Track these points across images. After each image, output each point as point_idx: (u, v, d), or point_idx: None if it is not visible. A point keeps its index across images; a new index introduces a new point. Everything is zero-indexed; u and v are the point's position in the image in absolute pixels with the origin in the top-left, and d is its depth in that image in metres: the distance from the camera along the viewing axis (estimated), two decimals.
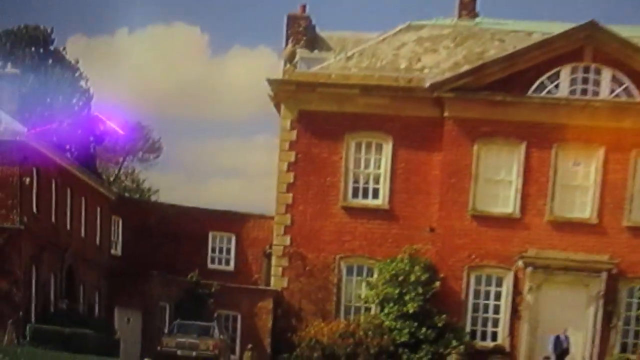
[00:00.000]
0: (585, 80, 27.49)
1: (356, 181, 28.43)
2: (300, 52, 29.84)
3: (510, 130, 27.50)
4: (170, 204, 33.75)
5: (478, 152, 27.67)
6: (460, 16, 30.90)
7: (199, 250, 32.50)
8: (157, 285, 28.46)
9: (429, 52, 29.31)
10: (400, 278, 27.08)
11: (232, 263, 33.06)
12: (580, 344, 24.67)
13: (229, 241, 32.97)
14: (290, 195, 28.42)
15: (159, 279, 28.50)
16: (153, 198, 43.95)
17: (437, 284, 27.22)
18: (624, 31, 28.03)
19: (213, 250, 33.13)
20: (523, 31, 29.87)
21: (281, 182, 28.56)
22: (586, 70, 27.46)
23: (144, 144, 43.96)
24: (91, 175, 30.29)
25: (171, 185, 55.99)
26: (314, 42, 31.09)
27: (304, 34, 30.56)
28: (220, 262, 33.06)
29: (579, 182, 27.62)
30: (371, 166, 28.42)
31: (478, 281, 27.73)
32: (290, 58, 29.92)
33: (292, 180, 28.43)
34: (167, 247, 32.18)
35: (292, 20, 30.63)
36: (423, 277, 27.07)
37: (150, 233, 32.22)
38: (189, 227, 32.43)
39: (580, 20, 27.71)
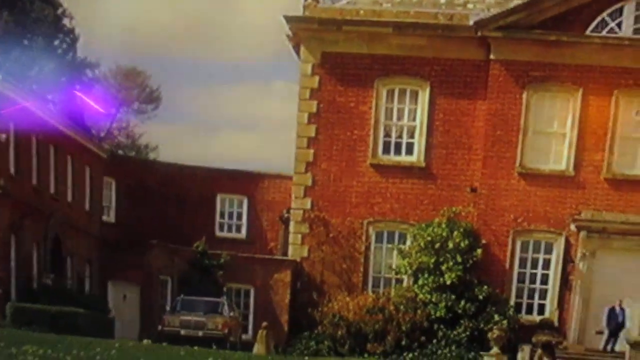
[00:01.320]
0: None
1: (388, 135, 29.12)
2: None
3: (566, 74, 28.20)
4: (172, 163, 34.28)
5: (528, 100, 28.37)
6: None
7: (205, 216, 33.10)
8: (157, 256, 28.98)
9: None
10: (437, 245, 27.88)
11: (243, 230, 33.68)
12: (638, 317, 25.27)
13: (240, 205, 33.54)
14: (312, 151, 29.16)
15: (159, 249, 28.99)
16: (151, 156, 44.65)
17: (479, 251, 28.06)
18: None
19: (222, 216, 33.68)
20: None
21: (301, 136, 29.24)
22: None
23: (141, 92, 44.39)
24: (78, 130, 30.78)
25: (173, 140, 56.56)
26: None
27: None
28: (230, 229, 33.67)
29: None
30: (405, 117, 29.13)
31: (525, 248, 28.61)
32: None
33: (313, 134, 29.12)
34: (168, 213, 32.78)
35: None
36: (463, 244, 27.86)
37: (148, 197, 32.78)
38: (193, 189, 33.06)
39: None
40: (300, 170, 29.27)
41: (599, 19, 28.10)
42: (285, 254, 30.58)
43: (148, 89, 44.65)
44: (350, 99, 28.97)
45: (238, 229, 33.60)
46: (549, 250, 28.58)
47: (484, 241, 28.29)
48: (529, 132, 28.43)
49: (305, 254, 29.20)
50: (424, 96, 28.83)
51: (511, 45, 28.16)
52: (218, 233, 33.12)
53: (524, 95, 28.31)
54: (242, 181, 33.25)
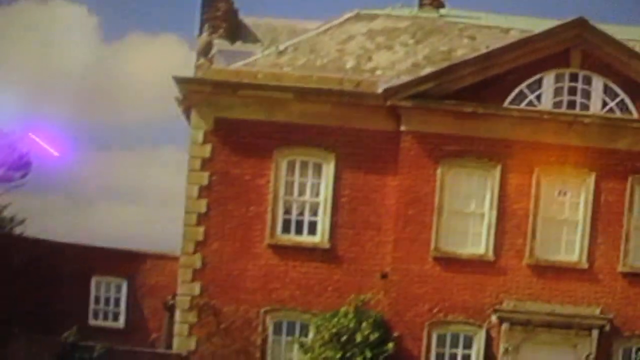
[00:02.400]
0: (572, 91, 26.49)
1: (288, 212, 26.68)
2: (219, 43, 28.32)
3: (483, 149, 26.33)
4: (40, 239, 31.95)
5: (442, 176, 26.29)
6: (421, 6, 29.78)
7: (78, 301, 30.86)
8: (19, 348, 26.38)
9: (383, 49, 27.89)
10: (344, 338, 25.49)
11: (122, 318, 31.72)
12: None
13: (119, 289, 31.54)
14: (202, 229, 26.48)
15: (22, 339, 26.52)
16: (17, 231, 40.84)
17: (391, 345, 25.67)
18: (619, 32, 27.21)
19: (97, 301, 31.68)
20: (498, 27, 28.88)
21: (190, 212, 26.57)
22: (573, 78, 26.48)
23: (6, 157, 40.37)
24: None
25: (43, 212, 52.31)
26: (236, 30, 29.53)
27: (223, 19, 29.01)
28: (106, 317, 31.76)
29: (566, 216, 26.50)
30: (307, 193, 26.70)
31: (441, 341, 26.20)
32: (205, 50, 28.37)
33: (204, 210, 26.48)
34: (34, 297, 30.35)
35: (208, 1, 29.05)
36: (372, 337, 25.52)
37: (11, 277, 30.24)
38: (65, 269, 30.73)
39: (569, 16, 26.55)
40: (189, 251, 26.47)
41: (517, 90, 26.38)
42: (169, 346, 27.79)
43: (16, 153, 40.78)
44: (246, 171, 26.49)
45: (115, 317, 31.62)
46: (468, 344, 26.14)
47: (396, 334, 25.86)
48: (444, 211, 26.27)
49: (192, 346, 26.21)
50: (329, 169, 26.49)
51: (423, 116, 26.22)
52: (92, 321, 31.14)
53: (438, 171, 26.24)
54: (121, 261, 31.29)
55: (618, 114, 26.17)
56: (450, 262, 26.11)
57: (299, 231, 26.50)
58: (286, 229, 26.49)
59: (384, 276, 26.07)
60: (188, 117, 27.18)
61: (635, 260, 26.17)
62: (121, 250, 31.45)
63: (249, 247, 26.37)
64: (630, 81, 26.15)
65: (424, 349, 25.87)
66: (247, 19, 29.96)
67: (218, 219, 26.34)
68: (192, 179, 26.43)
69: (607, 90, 26.24)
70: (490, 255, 26.11)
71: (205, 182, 26.35)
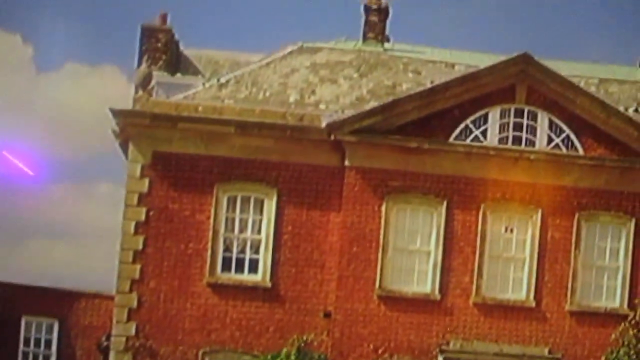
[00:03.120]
0: (518, 126, 26.04)
1: (228, 249, 25.80)
2: (158, 75, 27.72)
3: (428, 185, 25.71)
4: None
5: (387, 213, 25.61)
6: (366, 39, 29.21)
7: (6, 343, 29.49)
8: None
9: (327, 83, 27.33)
10: None
11: None
12: None
13: (50, 329, 30.26)
14: (138, 266, 25.49)
15: None
16: None
17: None
18: (564, 68, 27.00)
19: (27, 343, 30.37)
20: (444, 62, 28.53)
21: (126, 249, 25.62)
22: (519, 113, 26.05)
23: None
24: None
25: None
26: (176, 62, 29.03)
27: (163, 51, 28.47)
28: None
29: (513, 253, 25.94)
30: (249, 229, 25.89)
31: None
32: (144, 82, 27.78)
33: (140, 247, 25.52)
34: None
35: (147, 32, 28.47)
36: None
37: None
38: None
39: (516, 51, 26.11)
40: (124, 289, 25.45)
41: (462, 125, 25.87)
42: None
43: None
44: (185, 207, 25.55)
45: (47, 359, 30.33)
46: None
47: None
48: (389, 249, 25.54)
49: None
50: (271, 205, 25.69)
51: (368, 151, 25.56)
52: None
53: (383, 207, 25.54)
54: (53, 301, 30.12)
55: (564, 150, 25.83)
56: (395, 301, 25.37)
57: (239, 269, 25.68)
58: (226, 267, 25.64)
59: (327, 315, 25.30)
60: (125, 150, 26.36)
61: (583, 298, 25.71)
62: (53, 289, 30.45)
63: (188, 286, 25.44)
64: (576, 117, 25.84)
65: None
66: (188, 51, 29.53)
67: (155, 256, 25.44)
68: (129, 215, 25.54)
69: (552, 126, 25.90)
70: (436, 294, 25.42)
71: (142, 217, 25.48)
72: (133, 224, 25.37)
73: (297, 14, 54.41)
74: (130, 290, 25.26)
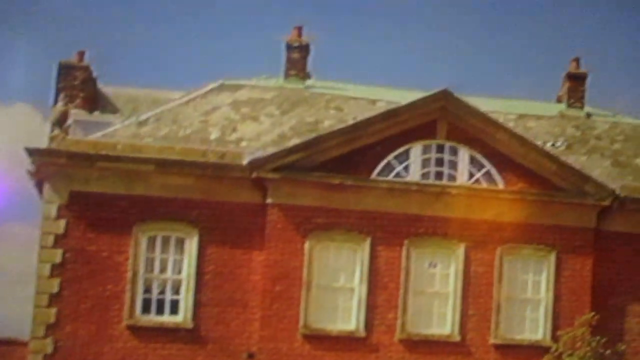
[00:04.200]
0: (439, 162, 25.74)
1: (148, 290, 24.83)
2: (75, 113, 26.75)
3: (352, 222, 25.16)
4: None
5: (311, 250, 24.96)
6: (287, 76, 28.74)
7: None
8: None
9: (248, 120, 26.75)
10: None
11: None
12: None
13: None
14: (54, 310, 24.35)
15: None
16: None
17: None
18: (484, 104, 26.78)
19: None
20: (365, 98, 28.13)
21: (41, 293, 24.48)
22: (440, 149, 25.75)
23: None
24: None
25: None
26: (94, 100, 28.09)
27: (80, 88, 27.53)
28: None
29: (437, 289, 25.48)
30: (169, 270, 24.95)
31: None
32: (61, 120, 26.64)
33: (56, 290, 24.39)
34: None
35: (64, 69, 27.66)
36: None
37: None
38: None
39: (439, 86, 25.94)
40: (39, 334, 24.28)
41: (385, 161, 25.42)
42: None
43: None
44: (103, 248, 24.59)
45: None
46: None
47: None
48: (313, 287, 24.85)
49: None
50: (192, 245, 24.82)
51: (291, 188, 24.93)
52: None
53: (306, 245, 24.87)
54: None
55: (485, 184, 25.53)
56: (320, 340, 24.64)
57: (160, 311, 24.71)
58: (146, 308, 24.64)
59: (251, 356, 24.47)
60: (40, 190, 25.32)
61: (507, 331, 25.31)
62: None
63: (106, 329, 24.35)
64: (496, 152, 25.59)
65: None
66: (107, 88, 28.72)
67: (72, 300, 24.33)
68: (44, 257, 24.44)
69: (473, 161, 25.61)
70: (361, 331, 24.79)
71: (58, 259, 24.41)
72: (48, 266, 24.32)
73: (218, 52, 53.83)
74: (46, 335, 24.13)
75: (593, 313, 24.81)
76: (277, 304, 24.49)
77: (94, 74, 28.23)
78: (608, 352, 24.37)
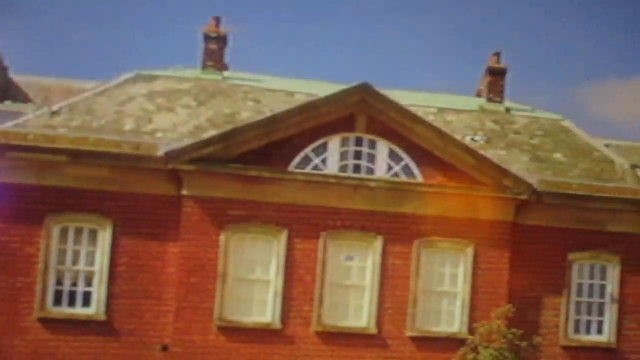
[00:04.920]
0: (358, 155, 25.81)
1: (60, 282, 24.50)
2: None
3: (269, 214, 25.07)
4: None
5: (227, 242, 24.82)
6: (204, 67, 28.40)
7: None
8: None
9: (164, 112, 26.33)
10: None
11: None
12: None
13: None
14: None
15: None
16: None
17: None
18: (404, 97, 27.05)
19: None
20: (284, 91, 28.07)
21: None
22: (359, 142, 25.79)
23: None
24: None
25: None
26: (6, 89, 27.68)
27: None
28: None
29: (354, 281, 25.58)
30: (82, 262, 24.62)
31: None
32: None
33: None
34: None
35: None
36: None
37: None
38: None
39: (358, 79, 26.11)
40: None
41: (302, 154, 25.40)
42: None
43: None
44: (14, 239, 24.17)
45: None
46: None
47: None
48: (228, 279, 24.77)
49: None
50: (105, 237, 24.55)
51: (207, 180, 24.79)
52: None
53: (222, 237, 24.76)
54: None
55: (403, 178, 25.68)
56: (235, 332, 24.57)
57: (72, 303, 24.37)
58: (58, 301, 24.27)
59: (165, 348, 24.30)
60: None
61: (424, 324, 25.53)
62: None
63: (16, 322, 23.94)
64: (415, 146, 25.69)
65: None
66: (18, 78, 28.21)
67: None
68: None
69: (392, 154, 25.72)
70: (277, 323, 24.80)
71: None
72: None
73: (133, 43, 53.33)
74: None
75: (510, 306, 25.23)
76: (192, 296, 24.36)
77: (6, 63, 27.79)
78: (524, 344, 24.93)
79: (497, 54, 30.45)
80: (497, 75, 30.28)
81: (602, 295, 26.73)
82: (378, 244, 25.29)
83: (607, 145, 29.87)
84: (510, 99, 30.40)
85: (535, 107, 30.49)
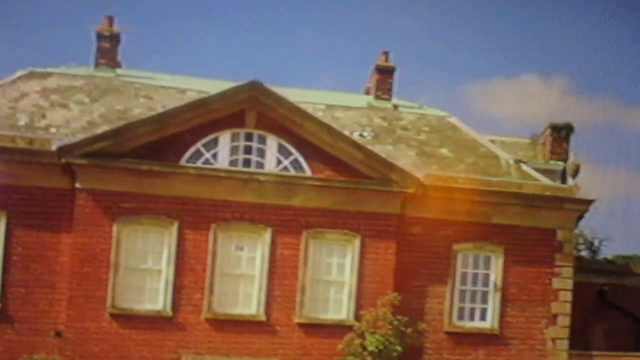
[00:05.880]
0: (248, 150, 28.15)
1: None
2: None
3: (160, 207, 27.41)
4: None
5: (119, 233, 27.21)
6: (97, 65, 30.84)
7: None
8: None
9: (57, 107, 28.59)
10: None
11: None
12: None
13: None
14: None
15: None
16: None
17: None
18: (293, 94, 29.37)
19: None
20: (175, 87, 30.53)
21: None
22: (249, 137, 28.13)
23: None
24: None
25: None
26: None
27: None
28: None
29: (243, 271, 28.03)
30: None
31: None
32: None
33: None
34: None
35: None
36: None
37: None
38: None
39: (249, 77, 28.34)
40: None
41: (193, 149, 27.72)
42: None
43: None
44: None
45: None
46: None
47: None
48: (120, 268, 27.18)
49: None
50: (0, 228, 26.68)
51: (99, 174, 27.06)
52: None
53: (115, 228, 27.14)
54: None
55: (292, 172, 28.03)
56: (127, 319, 26.83)
57: None
58: None
59: (58, 334, 26.37)
60: None
61: (311, 311, 28.06)
62: None
63: None
64: (304, 141, 28.10)
65: None
66: None
67: None
68: None
69: (281, 149, 28.06)
70: (169, 311, 27.13)
71: None
72: None
73: (26, 41, 55.05)
74: None
75: (395, 294, 27.90)
76: (85, 284, 26.58)
77: None
78: (409, 330, 27.67)
79: (386, 53, 33.34)
80: (385, 73, 33.13)
81: (486, 284, 29.64)
82: (267, 235, 27.72)
83: (493, 141, 32.90)
84: (398, 96, 33.30)
85: (423, 104, 33.44)
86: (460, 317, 29.53)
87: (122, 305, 27.04)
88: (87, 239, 26.87)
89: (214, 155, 27.78)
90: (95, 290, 26.76)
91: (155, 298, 27.25)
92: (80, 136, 27.33)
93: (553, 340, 29.94)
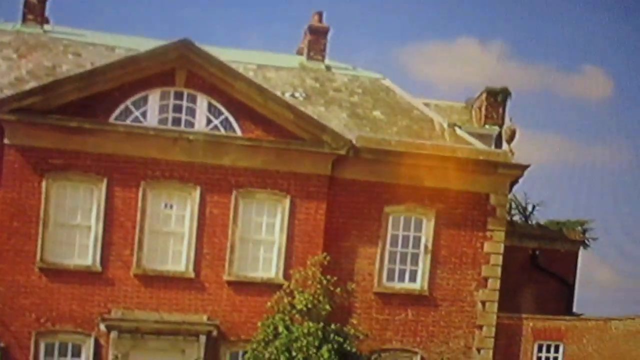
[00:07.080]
0: (177, 108, 30.63)
1: None
2: None
3: (89, 164, 29.94)
4: None
5: (48, 189, 29.76)
6: (25, 21, 33.06)
7: None
8: None
9: None
10: None
11: None
12: None
13: None
14: None
15: None
16: None
17: None
18: (224, 54, 31.84)
19: None
20: (104, 45, 33.03)
21: None
22: (178, 96, 30.56)
23: None
24: None
25: None
26: None
27: None
28: None
29: (172, 228, 30.75)
30: None
31: (50, 351, 29.76)
32: None
33: None
34: None
35: None
36: None
37: None
38: None
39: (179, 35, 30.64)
40: None
41: (122, 106, 30.21)
42: None
43: None
44: None
45: None
46: (77, 352, 29.89)
47: (2, 344, 28.99)
48: (50, 224, 29.82)
49: None
50: None
51: (28, 130, 29.41)
52: None
53: (44, 184, 29.67)
54: None
55: (222, 131, 30.65)
56: (57, 274, 29.56)
57: None
58: None
59: None
60: None
61: (240, 269, 30.99)
62: None
63: None
64: (235, 101, 30.64)
65: (32, 357, 29.32)
66: None
67: None
68: None
69: (211, 108, 30.60)
70: (98, 266, 29.95)
71: None
72: None
73: None
74: None
75: (325, 254, 30.80)
76: (15, 239, 29.19)
77: None
78: (338, 290, 30.63)
79: (319, 13, 36.04)
80: (318, 33, 35.95)
81: (417, 246, 32.78)
82: (196, 193, 30.41)
83: (427, 105, 35.97)
84: (331, 58, 36.06)
85: (357, 66, 36.23)
86: (390, 278, 32.59)
87: (51, 260, 29.69)
88: (16, 194, 29.41)
89: (144, 114, 30.28)
90: (25, 244, 29.36)
91: (84, 254, 29.91)
92: (8, 92, 29.56)
93: (483, 302, 33.20)
